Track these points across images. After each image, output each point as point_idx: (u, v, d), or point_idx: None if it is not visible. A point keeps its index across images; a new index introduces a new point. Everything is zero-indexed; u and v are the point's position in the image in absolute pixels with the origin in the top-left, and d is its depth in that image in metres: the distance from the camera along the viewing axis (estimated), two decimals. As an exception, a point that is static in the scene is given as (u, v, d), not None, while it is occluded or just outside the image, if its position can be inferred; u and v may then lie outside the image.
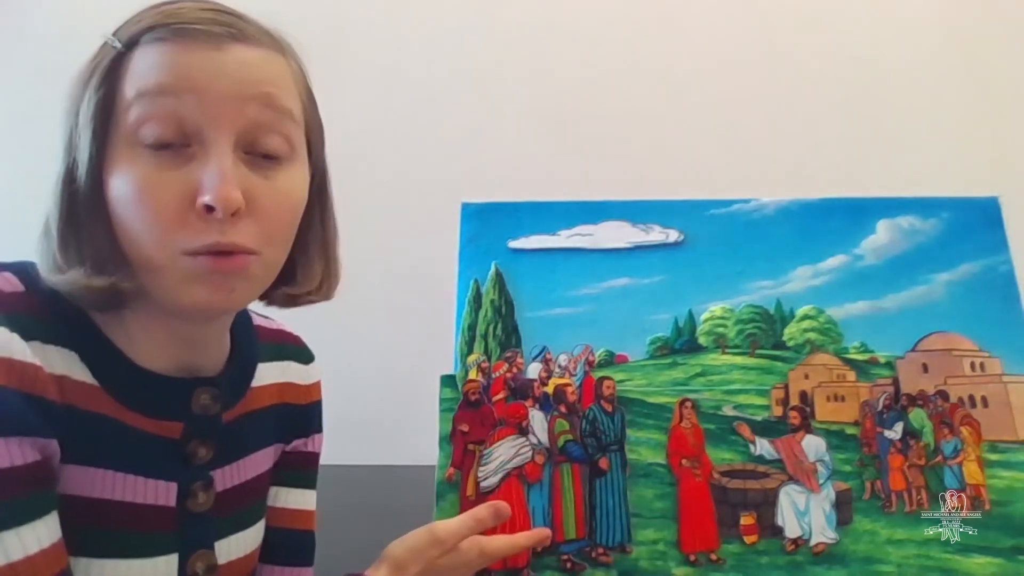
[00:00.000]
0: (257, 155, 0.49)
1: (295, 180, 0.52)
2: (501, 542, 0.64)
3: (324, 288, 0.59)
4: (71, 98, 0.49)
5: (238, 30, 0.49)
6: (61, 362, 0.47)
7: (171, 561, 0.52)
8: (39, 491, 0.45)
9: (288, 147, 0.51)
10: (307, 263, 0.58)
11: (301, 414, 0.67)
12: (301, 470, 0.69)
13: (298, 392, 0.67)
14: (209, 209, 0.46)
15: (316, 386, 0.71)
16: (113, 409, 0.49)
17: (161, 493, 0.52)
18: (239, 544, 0.58)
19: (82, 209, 0.47)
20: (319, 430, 0.70)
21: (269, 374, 0.64)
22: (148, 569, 0.50)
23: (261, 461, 0.62)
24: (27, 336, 0.45)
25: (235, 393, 0.59)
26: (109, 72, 0.47)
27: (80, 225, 0.47)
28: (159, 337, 0.52)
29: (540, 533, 0.66)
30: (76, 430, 0.47)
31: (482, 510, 0.63)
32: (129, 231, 0.47)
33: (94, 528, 0.48)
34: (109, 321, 0.50)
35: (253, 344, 0.64)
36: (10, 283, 0.48)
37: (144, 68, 0.47)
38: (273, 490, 0.66)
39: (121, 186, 0.47)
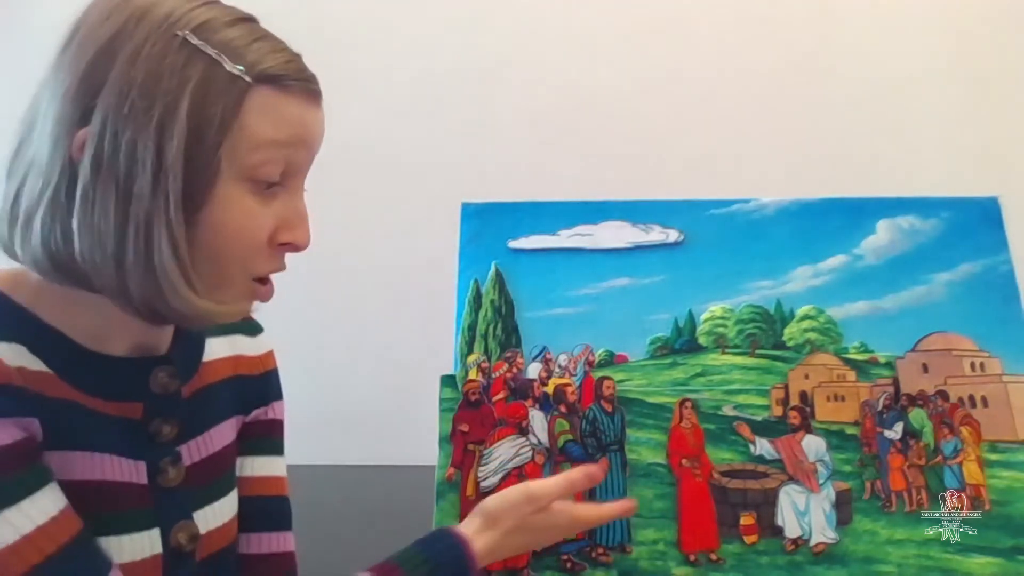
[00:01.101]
0: None
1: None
2: (590, 509, 0.66)
3: None
4: (151, 99, 0.46)
5: (319, 88, 0.54)
6: (12, 355, 0.48)
7: (154, 535, 0.53)
8: (32, 464, 0.46)
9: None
10: None
11: (256, 384, 0.68)
12: (265, 438, 0.69)
13: (251, 363, 0.68)
14: (285, 244, 0.52)
15: (269, 356, 0.71)
16: (72, 394, 0.50)
17: (132, 471, 0.53)
18: (216, 513, 0.60)
19: (186, 230, 0.48)
20: (278, 397, 0.71)
21: (218, 348, 0.65)
22: (135, 544, 0.52)
23: (225, 432, 0.64)
24: None
25: (188, 368, 0.60)
26: (237, 102, 0.48)
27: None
28: (116, 321, 0.53)
29: (627, 504, 0.67)
30: (47, 415, 0.48)
31: (575, 472, 0.65)
32: (216, 256, 0.50)
33: (77, 510, 0.49)
34: (62, 313, 0.51)
35: None
36: None
37: (280, 117, 0.50)
38: (240, 460, 0.67)
39: (228, 216, 0.49)
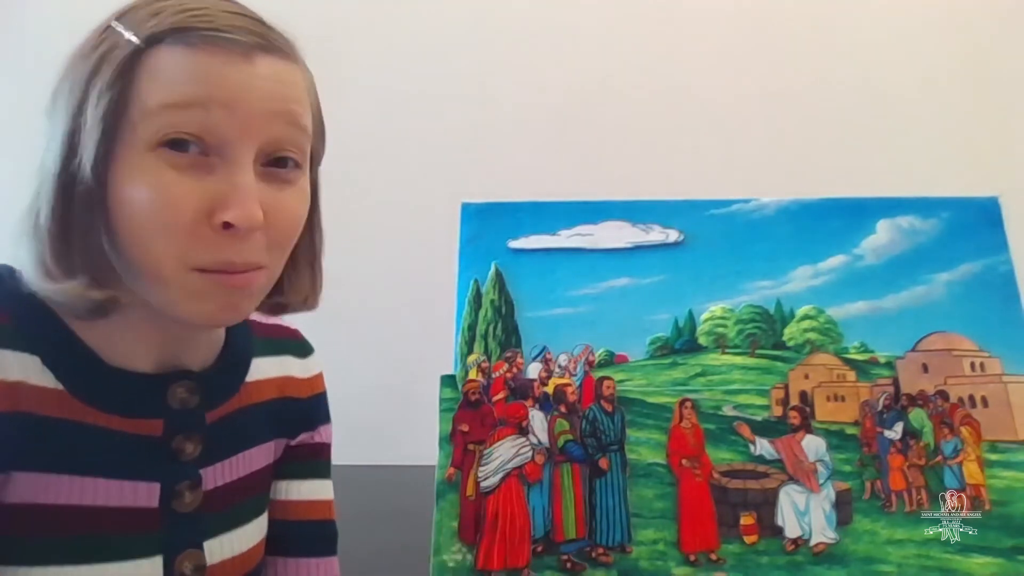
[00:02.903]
0: (270, 167, 0.48)
1: (302, 193, 0.52)
2: None
3: (311, 299, 0.59)
4: (72, 85, 0.45)
5: (267, 40, 0.47)
6: (19, 367, 0.45)
7: (155, 563, 0.50)
8: None
9: (301, 159, 0.51)
10: (295, 274, 0.57)
11: (303, 407, 0.67)
12: (312, 461, 0.68)
13: (298, 386, 0.66)
14: (227, 226, 0.45)
15: (318, 378, 0.70)
16: (82, 413, 0.48)
17: (141, 494, 0.50)
18: (233, 543, 0.57)
19: (82, 214, 0.45)
20: (326, 421, 0.70)
21: (266, 369, 0.63)
22: (133, 571, 0.49)
23: (258, 457, 0.61)
24: None
25: (226, 388, 0.58)
26: (125, 69, 0.44)
27: (79, 231, 0.45)
28: (145, 336, 0.51)
29: None
30: (29, 437, 0.45)
31: None
32: (137, 241, 0.45)
33: (67, 535, 0.47)
34: (84, 322, 0.49)
35: (247, 339, 0.63)
36: None
37: (171, 75, 0.44)
38: (285, 484, 0.65)
39: (134, 193, 0.44)
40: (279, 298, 0.56)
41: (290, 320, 0.68)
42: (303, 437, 0.67)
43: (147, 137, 0.44)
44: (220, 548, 0.55)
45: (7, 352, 0.46)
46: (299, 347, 0.70)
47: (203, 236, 0.45)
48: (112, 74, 0.44)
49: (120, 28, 0.46)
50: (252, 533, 0.60)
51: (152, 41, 0.45)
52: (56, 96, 0.47)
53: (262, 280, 0.49)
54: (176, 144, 0.44)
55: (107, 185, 0.45)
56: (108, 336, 0.50)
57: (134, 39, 0.45)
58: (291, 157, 0.49)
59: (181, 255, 0.45)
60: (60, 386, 0.47)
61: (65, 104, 0.46)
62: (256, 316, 0.61)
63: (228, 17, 0.46)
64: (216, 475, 0.56)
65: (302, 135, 0.50)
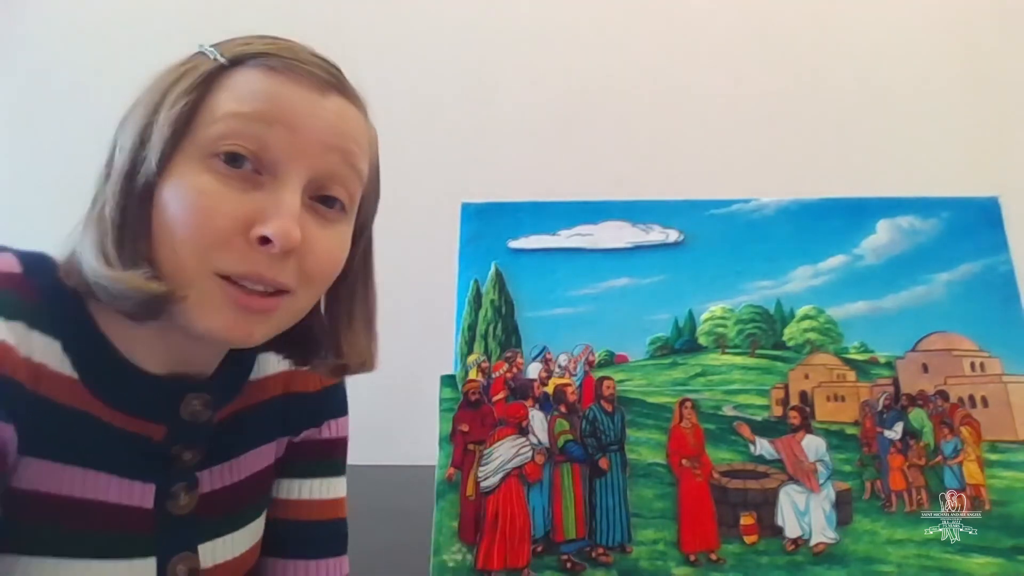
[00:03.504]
0: (317, 202, 0.49)
1: (344, 236, 0.52)
2: None
3: (369, 362, 0.59)
4: (152, 90, 0.48)
5: (341, 83, 0.50)
6: (41, 349, 0.46)
7: (148, 564, 0.50)
8: None
9: (349, 204, 0.52)
10: (352, 334, 0.57)
11: (311, 401, 0.65)
12: (323, 459, 0.66)
13: (306, 379, 0.64)
14: (264, 241, 0.45)
15: None
16: (89, 404, 0.48)
17: (137, 494, 0.50)
18: (229, 546, 0.56)
19: (138, 209, 0.46)
20: (340, 414, 0.67)
21: (269, 365, 0.62)
22: (123, 571, 0.49)
23: (258, 459, 0.60)
24: (9, 316, 0.44)
25: (230, 389, 0.57)
26: (204, 81, 0.47)
27: (137, 224, 0.46)
28: (164, 339, 0.50)
29: None
30: (44, 421, 0.45)
31: None
32: (168, 241, 0.45)
33: (62, 527, 0.46)
34: (109, 316, 0.49)
35: None
36: (8, 264, 0.47)
37: (245, 90, 0.47)
38: (295, 483, 0.64)
39: (179, 192, 0.45)
40: (338, 359, 0.56)
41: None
42: (308, 433, 0.65)
43: (206, 144, 0.46)
44: (215, 551, 0.55)
45: (34, 333, 0.46)
46: None
47: (236, 246, 0.45)
48: (192, 83, 0.47)
49: (208, 50, 0.49)
50: (248, 536, 0.59)
51: (236, 61, 0.48)
52: (136, 104, 0.49)
53: (284, 309, 0.48)
54: (231, 159, 0.46)
55: (160, 187, 0.46)
56: (128, 334, 0.50)
57: (220, 58, 0.48)
58: (339, 199, 0.50)
59: (207, 258, 0.45)
60: (75, 375, 0.47)
61: (143, 106, 0.48)
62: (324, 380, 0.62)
63: (310, 56, 0.49)
64: (214, 478, 0.55)
65: (355, 177, 0.51)
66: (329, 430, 0.66)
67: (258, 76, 0.47)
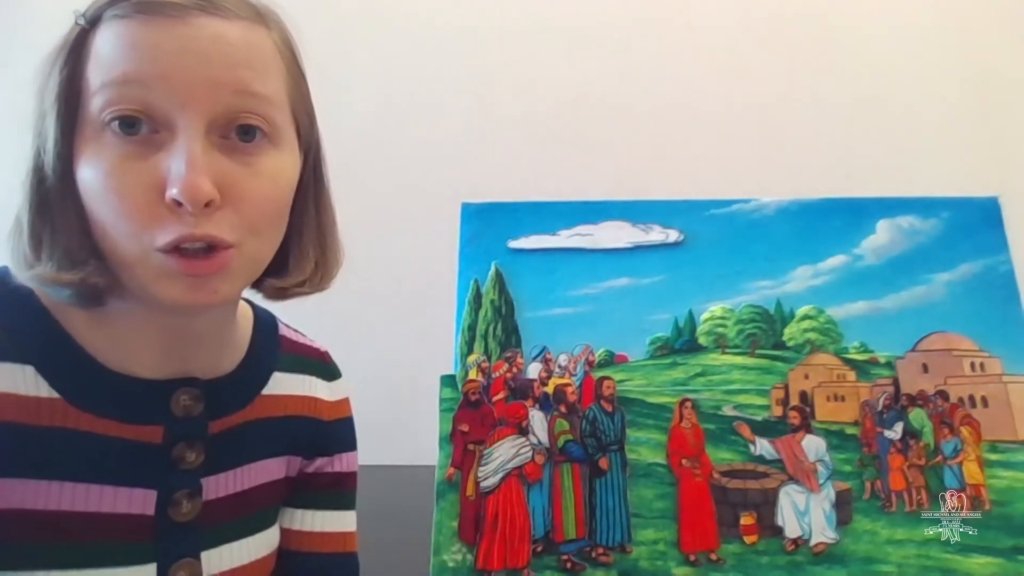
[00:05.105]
0: (234, 139, 0.45)
1: (280, 165, 0.48)
2: None
3: (317, 278, 0.54)
4: (38, 78, 0.46)
5: (207, 1, 0.44)
6: (6, 379, 0.45)
7: (148, 571, 0.49)
8: None
9: (270, 130, 0.47)
10: (300, 252, 0.53)
11: (322, 429, 0.64)
12: (333, 491, 0.65)
13: (320, 407, 0.64)
14: (178, 203, 0.42)
15: (344, 403, 0.68)
16: (75, 419, 0.47)
17: (137, 501, 0.49)
18: (233, 554, 0.55)
19: (52, 199, 0.44)
20: (350, 448, 0.67)
21: (287, 385, 0.61)
22: None
23: (266, 470, 0.59)
24: None
25: (237, 397, 0.56)
26: (72, 51, 0.44)
27: (50, 216, 0.44)
28: (146, 334, 0.50)
29: None
30: (15, 447, 0.44)
31: None
32: (99, 224, 0.44)
33: (55, 541, 0.46)
34: (87, 324, 0.48)
35: (272, 352, 0.61)
36: None
37: (109, 52, 0.43)
38: (303, 513, 0.63)
39: (89, 176, 0.43)
40: (278, 279, 0.52)
41: (291, 321, 0.68)
42: (320, 463, 0.64)
43: (96, 118, 0.43)
44: (219, 559, 0.54)
45: (2, 365, 0.45)
46: (326, 369, 0.67)
47: (159, 215, 0.43)
48: (64, 58, 0.44)
49: (76, 14, 0.46)
50: (256, 546, 0.58)
51: (94, 21, 0.44)
52: (33, 91, 0.47)
53: (237, 261, 0.46)
54: (126, 123, 0.43)
55: (72, 170, 0.44)
56: (112, 340, 0.49)
57: (80, 21, 0.45)
58: (255, 127, 0.46)
59: (142, 236, 0.43)
60: (55, 394, 0.46)
61: (34, 96, 0.46)
62: (268, 302, 0.57)
63: None
64: (219, 485, 0.54)
65: (260, 103, 0.46)
66: (341, 463, 0.66)
67: (116, 32, 0.43)
